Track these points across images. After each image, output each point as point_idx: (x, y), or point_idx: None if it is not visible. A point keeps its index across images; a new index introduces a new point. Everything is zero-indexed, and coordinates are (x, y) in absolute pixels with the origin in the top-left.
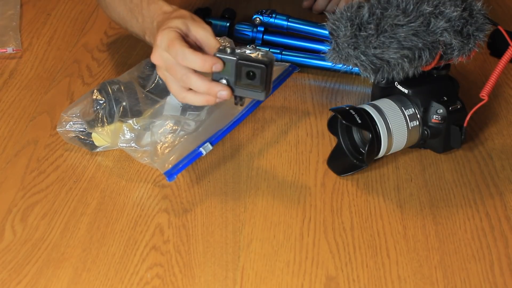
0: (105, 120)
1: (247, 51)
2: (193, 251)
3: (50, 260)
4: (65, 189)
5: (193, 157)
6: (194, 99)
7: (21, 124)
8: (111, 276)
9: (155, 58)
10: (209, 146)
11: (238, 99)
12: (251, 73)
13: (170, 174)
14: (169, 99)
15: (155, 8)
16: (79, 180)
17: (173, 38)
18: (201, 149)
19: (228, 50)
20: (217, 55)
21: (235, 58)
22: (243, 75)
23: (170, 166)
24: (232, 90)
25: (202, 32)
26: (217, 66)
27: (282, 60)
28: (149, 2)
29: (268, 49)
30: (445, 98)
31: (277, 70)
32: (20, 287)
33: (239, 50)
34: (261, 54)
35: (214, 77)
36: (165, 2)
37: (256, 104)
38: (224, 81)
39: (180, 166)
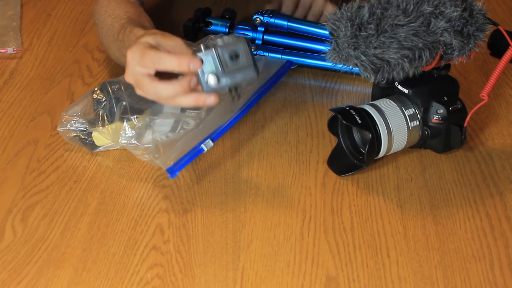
0: (106, 118)
1: (218, 40)
2: (193, 251)
3: (50, 260)
4: (65, 189)
5: (195, 153)
6: (181, 102)
7: (21, 124)
8: (111, 276)
9: (127, 76)
10: (210, 143)
11: (233, 91)
12: (234, 54)
13: (172, 171)
14: None
15: (131, 37)
16: (79, 180)
17: (143, 49)
18: (202, 145)
19: (202, 47)
20: (194, 54)
21: (212, 49)
22: (227, 59)
23: (172, 163)
24: (224, 83)
25: (172, 43)
26: (194, 64)
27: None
28: (128, 33)
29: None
30: (445, 98)
31: (274, 66)
32: (20, 287)
33: (211, 44)
34: (232, 36)
35: (200, 78)
36: (140, 28)
37: (255, 100)
38: (212, 77)
39: (182, 163)
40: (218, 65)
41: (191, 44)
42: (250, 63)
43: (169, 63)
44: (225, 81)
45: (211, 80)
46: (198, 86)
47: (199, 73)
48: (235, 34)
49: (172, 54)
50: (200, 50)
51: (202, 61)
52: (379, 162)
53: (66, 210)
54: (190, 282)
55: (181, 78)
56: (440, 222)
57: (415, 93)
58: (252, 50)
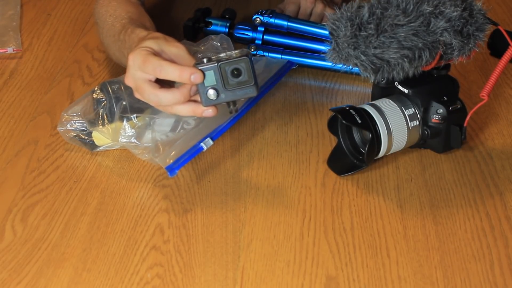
0: (105, 118)
1: (222, 55)
2: (193, 251)
3: (50, 260)
4: (65, 189)
5: (194, 152)
6: (180, 111)
7: (21, 124)
8: (111, 276)
9: (127, 80)
10: (210, 141)
11: (231, 105)
12: (236, 70)
13: (171, 169)
14: None
15: (133, 37)
16: (79, 180)
17: (146, 55)
18: (202, 144)
19: (205, 60)
20: (196, 66)
21: (215, 63)
22: (228, 75)
23: (171, 161)
24: (223, 98)
25: (175, 50)
26: (196, 76)
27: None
28: (129, 34)
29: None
30: (445, 98)
31: (274, 66)
32: (20, 287)
33: (214, 57)
34: (236, 52)
35: (200, 91)
36: (142, 29)
37: (255, 100)
38: (212, 91)
39: (182, 161)
40: (219, 80)
41: (191, 45)
42: (251, 81)
43: (171, 73)
44: (224, 96)
45: (211, 94)
46: (197, 95)
47: (200, 85)
48: (241, 49)
49: (174, 64)
50: (202, 63)
51: (203, 74)
52: (379, 162)
53: (66, 210)
54: (190, 282)
55: (182, 86)
56: (440, 222)
57: (415, 93)
58: (254, 66)
